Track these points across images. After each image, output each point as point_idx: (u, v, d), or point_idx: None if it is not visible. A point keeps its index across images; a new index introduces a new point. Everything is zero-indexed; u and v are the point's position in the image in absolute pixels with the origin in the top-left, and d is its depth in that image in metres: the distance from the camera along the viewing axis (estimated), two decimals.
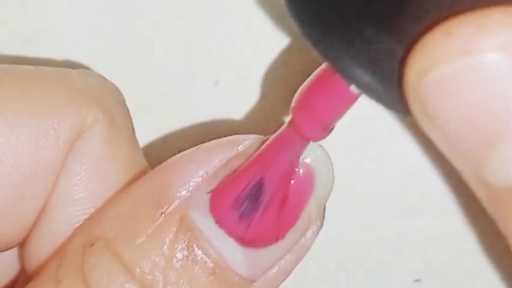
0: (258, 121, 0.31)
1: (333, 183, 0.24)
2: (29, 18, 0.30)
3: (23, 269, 0.26)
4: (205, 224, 0.23)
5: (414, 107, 0.19)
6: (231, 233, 0.23)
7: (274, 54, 0.30)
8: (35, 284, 0.24)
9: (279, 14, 0.30)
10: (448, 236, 0.32)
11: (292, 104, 0.22)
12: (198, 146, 0.24)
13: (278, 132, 0.23)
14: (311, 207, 0.24)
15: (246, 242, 0.23)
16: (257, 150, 0.24)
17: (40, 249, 0.25)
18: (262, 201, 0.23)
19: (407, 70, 0.18)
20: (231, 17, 0.30)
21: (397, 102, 0.19)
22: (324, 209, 0.25)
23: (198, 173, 0.23)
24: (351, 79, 0.20)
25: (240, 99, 0.31)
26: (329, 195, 0.25)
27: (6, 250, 0.25)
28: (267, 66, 0.30)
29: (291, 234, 0.24)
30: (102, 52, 0.30)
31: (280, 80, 0.30)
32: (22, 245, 0.25)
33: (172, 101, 0.31)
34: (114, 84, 0.26)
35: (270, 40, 0.30)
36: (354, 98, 0.21)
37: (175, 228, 0.23)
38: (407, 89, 0.19)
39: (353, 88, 0.21)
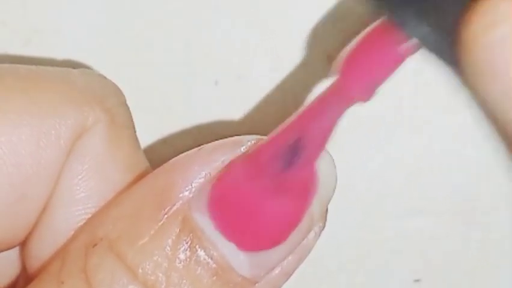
0: (258, 121, 0.31)
1: (336, 184, 0.24)
2: (29, 18, 0.30)
3: (24, 269, 0.26)
4: (209, 224, 0.23)
5: (474, 60, 0.19)
6: (270, 180, 0.23)
7: (274, 54, 0.30)
8: (37, 285, 0.24)
9: (279, 13, 0.30)
10: (447, 236, 0.32)
11: (339, 60, 0.22)
12: (201, 146, 0.24)
13: (322, 92, 0.23)
14: (314, 208, 0.24)
15: (279, 197, 0.23)
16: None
17: (41, 249, 0.24)
18: (301, 158, 0.23)
19: (471, 22, 0.18)
20: (231, 17, 0.30)
21: (450, 55, 0.19)
22: (327, 210, 0.25)
23: (200, 173, 0.23)
24: (407, 28, 0.20)
25: (240, 99, 0.31)
26: (332, 197, 0.25)
27: (7, 250, 0.25)
28: (267, 66, 0.30)
29: (294, 236, 0.24)
30: (102, 52, 0.30)
31: (280, 80, 0.30)
32: (23, 244, 0.25)
33: (172, 101, 0.31)
34: (115, 84, 0.26)
35: (270, 40, 0.30)
36: (401, 58, 0.21)
37: (178, 229, 0.23)
38: (468, 42, 0.19)
39: (406, 42, 0.20)
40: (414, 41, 0.20)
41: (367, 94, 0.22)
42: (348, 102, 0.22)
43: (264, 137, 0.24)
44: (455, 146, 0.30)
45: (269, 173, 0.23)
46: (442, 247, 0.32)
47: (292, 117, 0.23)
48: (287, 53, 0.30)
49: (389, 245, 0.32)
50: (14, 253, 0.26)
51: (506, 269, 0.32)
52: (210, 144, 0.24)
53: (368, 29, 0.21)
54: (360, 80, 0.22)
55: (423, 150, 0.31)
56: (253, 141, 0.24)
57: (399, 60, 0.21)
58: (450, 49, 0.19)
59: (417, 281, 0.32)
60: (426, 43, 0.20)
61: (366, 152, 0.31)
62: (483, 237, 0.32)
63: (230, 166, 0.23)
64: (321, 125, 0.23)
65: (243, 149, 0.24)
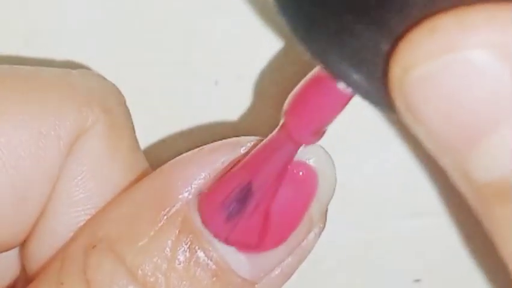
0: (258, 121, 0.31)
1: (335, 185, 0.24)
2: (28, 18, 0.30)
3: (23, 270, 0.26)
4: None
5: (399, 103, 0.19)
6: (215, 234, 0.23)
7: (275, 54, 0.30)
8: (37, 285, 0.24)
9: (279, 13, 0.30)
10: (447, 236, 0.32)
11: (284, 108, 0.22)
12: (201, 147, 0.24)
13: (270, 135, 0.23)
14: (313, 209, 0.24)
15: (230, 243, 0.23)
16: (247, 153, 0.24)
17: (41, 250, 0.25)
18: (250, 204, 0.23)
19: (392, 65, 0.19)
20: (231, 17, 0.30)
21: (383, 99, 0.20)
22: (326, 211, 0.25)
23: (200, 174, 0.23)
24: (338, 75, 0.20)
25: (240, 99, 0.31)
26: (331, 198, 0.25)
27: (7, 251, 0.25)
28: (267, 67, 0.30)
29: (293, 237, 0.24)
30: (102, 52, 0.30)
31: (280, 80, 0.30)
32: (23, 245, 0.25)
33: (172, 101, 0.31)
34: (114, 85, 0.26)
35: (270, 40, 0.30)
36: (344, 101, 0.21)
37: (177, 230, 0.23)
38: (391, 85, 0.19)
39: (341, 88, 0.20)
40: (347, 89, 0.20)
41: (313, 137, 0.22)
42: (295, 146, 0.23)
43: (263, 139, 0.24)
44: None
45: (216, 223, 0.23)
46: (442, 247, 0.32)
47: (241, 162, 0.23)
48: (287, 53, 0.30)
49: (389, 245, 0.32)
50: (14, 254, 0.26)
51: (506, 269, 0.32)
52: (209, 145, 0.24)
53: (309, 74, 0.22)
54: (304, 125, 0.22)
55: (423, 150, 0.31)
56: (252, 142, 0.24)
57: (341, 102, 0.21)
58: (380, 89, 0.19)
59: (417, 281, 0.32)
60: (354, 86, 0.20)
61: (365, 152, 0.31)
62: (483, 237, 0.31)
63: (226, 172, 0.24)
64: (269, 169, 0.23)
65: (242, 150, 0.24)
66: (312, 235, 0.24)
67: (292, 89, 0.29)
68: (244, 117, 0.31)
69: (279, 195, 0.23)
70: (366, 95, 0.20)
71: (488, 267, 0.32)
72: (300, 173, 0.24)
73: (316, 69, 0.22)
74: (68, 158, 0.24)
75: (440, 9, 0.18)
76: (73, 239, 0.24)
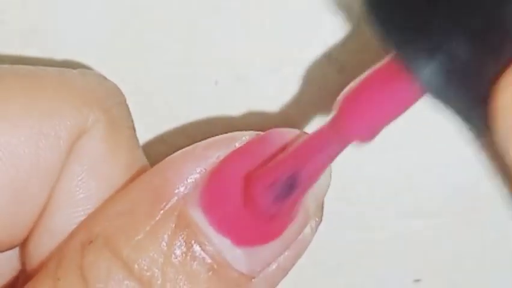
0: (258, 121, 0.31)
1: (330, 178, 0.24)
2: (28, 17, 0.30)
3: (23, 269, 0.26)
4: (204, 220, 0.23)
5: (502, 129, 0.19)
6: (262, 211, 0.23)
7: (275, 54, 0.30)
8: (35, 282, 0.24)
9: (280, 13, 0.30)
10: (447, 237, 0.32)
11: (339, 100, 0.21)
12: (196, 143, 0.24)
13: (320, 129, 0.22)
14: (309, 202, 0.24)
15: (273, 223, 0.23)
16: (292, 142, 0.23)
17: (41, 249, 0.25)
18: (292, 194, 0.23)
19: (502, 91, 0.18)
20: (231, 17, 0.30)
21: (477, 118, 0.19)
22: (323, 205, 0.25)
23: (196, 169, 0.23)
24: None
25: (240, 99, 0.31)
26: (327, 190, 0.24)
27: (7, 250, 0.25)
28: (267, 67, 0.30)
29: (289, 231, 0.24)
30: (102, 52, 0.30)
31: (280, 80, 0.30)
32: (23, 245, 0.25)
33: (172, 101, 0.31)
34: (115, 84, 0.26)
35: (270, 40, 0.30)
36: (412, 100, 0.20)
37: (174, 225, 0.23)
38: (496, 110, 0.19)
39: (414, 84, 0.19)
40: (422, 84, 0.19)
41: (367, 136, 0.21)
42: (346, 142, 0.21)
43: (259, 132, 0.24)
44: (455, 146, 0.30)
45: (259, 204, 0.23)
46: (442, 247, 0.32)
47: (289, 151, 0.23)
48: (287, 53, 0.30)
49: (389, 245, 0.32)
50: (14, 253, 0.26)
51: (506, 269, 0.32)
52: (204, 141, 0.24)
53: (375, 67, 0.20)
54: (361, 121, 0.21)
55: (423, 151, 0.31)
56: (248, 137, 0.24)
57: (406, 104, 0.20)
58: (476, 109, 0.19)
59: (417, 281, 0.32)
60: (437, 90, 0.19)
61: (365, 153, 0.31)
62: (483, 237, 0.32)
63: (222, 165, 0.23)
64: (317, 162, 0.23)
65: (237, 145, 0.24)
66: (308, 229, 0.24)
67: (292, 89, 0.29)
68: (244, 117, 0.31)
69: None
70: (455, 110, 0.19)
71: (487, 267, 0.32)
72: None
73: (381, 64, 0.20)
74: (68, 158, 0.24)
75: None
76: (70, 236, 0.24)
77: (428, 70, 0.18)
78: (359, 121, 0.21)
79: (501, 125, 0.19)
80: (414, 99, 0.20)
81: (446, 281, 0.32)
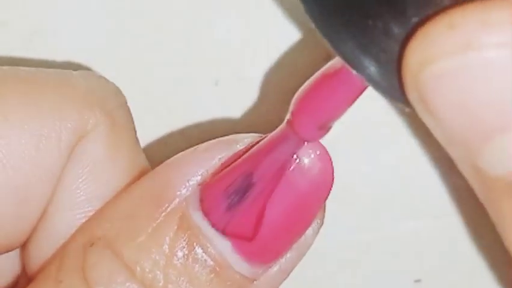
0: (258, 121, 0.31)
1: (333, 181, 0.24)
2: (29, 19, 0.30)
3: (24, 271, 0.26)
4: (206, 222, 0.23)
5: (413, 95, 0.19)
6: (214, 223, 0.23)
7: (275, 54, 0.30)
8: (36, 284, 0.24)
9: (279, 14, 0.30)
10: (447, 237, 0.32)
11: (291, 102, 0.23)
12: (197, 145, 0.24)
13: (275, 131, 0.23)
14: None
15: (227, 233, 0.23)
16: (253, 147, 0.24)
17: (41, 251, 0.25)
18: (250, 195, 0.23)
19: (408, 59, 0.19)
20: (231, 17, 0.30)
21: (396, 91, 0.20)
22: (325, 207, 0.25)
23: (197, 171, 0.24)
24: (351, 62, 0.20)
25: (240, 99, 0.31)
26: (329, 194, 0.25)
27: (7, 252, 0.25)
28: (267, 67, 0.30)
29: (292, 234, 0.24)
30: (102, 52, 0.30)
31: (280, 80, 0.30)
32: (24, 246, 0.25)
33: (172, 101, 0.31)
34: (116, 86, 0.26)
35: (270, 40, 0.30)
36: (352, 95, 0.21)
37: (176, 227, 0.23)
38: (405, 77, 0.19)
39: (354, 78, 0.20)
40: (360, 78, 0.20)
41: (317, 133, 0.23)
42: (298, 141, 0.23)
43: (262, 135, 0.24)
44: None
45: (217, 212, 0.23)
46: (442, 248, 0.32)
47: (243, 156, 0.24)
48: (287, 53, 0.30)
49: (389, 245, 0.32)
50: (15, 255, 0.26)
51: (506, 269, 0.32)
52: (205, 143, 0.24)
53: (319, 71, 0.22)
54: (310, 121, 0.22)
55: (422, 151, 0.31)
56: (249, 139, 0.24)
57: (349, 100, 0.21)
58: (393, 81, 0.19)
59: (417, 281, 0.32)
60: (367, 77, 0.20)
61: (365, 154, 0.31)
62: (483, 238, 0.32)
63: (223, 168, 0.24)
64: (270, 163, 0.23)
65: (238, 147, 0.24)
66: (310, 231, 0.24)
67: (292, 89, 0.29)
68: (245, 118, 0.31)
69: (283, 194, 0.23)
70: (377, 86, 0.20)
71: (487, 267, 0.32)
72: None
73: (326, 66, 0.22)
74: (69, 160, 0.24)
75: (456, 2, 0.18)
76: (71, 238, 0.24)
77: (367, 65, 0.20)
78: (308, 121, 0.22)
79: (410, 93, 0.19)
80: (356, 93, 0.21)
81: (446, 281, 0.32)
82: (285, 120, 0.23)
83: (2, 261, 0.26)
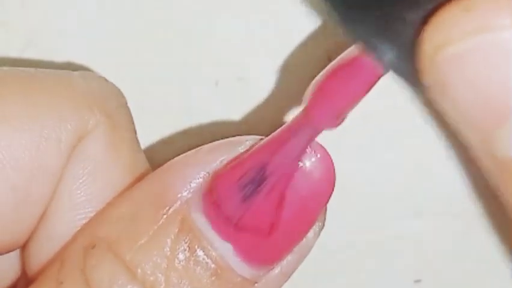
0: (258, 122, 0.31)
1: (334, 184, 0.24)
2: (29, 19, 0.30)
3: (24, 272, 0.26)
4: (207, 225, 0.23)
5: (428, 78, 0.19)
6: (229, 215, 0.23)
7: (275, 54, 0.30)
8: (37, 285, 0.24)
9: (279, 14, 0.30)
10: (448, 237, 0.32)
11: (307, 92, 0.22)
12: (199, 147, 0.24)
13: (289, 121, 0.23)
14: None
15: (242, 227, 0.23)
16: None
17: (41, 252, 0.25)
18: (264, 186, 0.23)
19: (424, 42, 0.19)
20: (231, 17, 0.30)
21: (412, 74, 0.20)
22: (326, 210, 0.25)
23: (199, 174, 0.23)
24: (367, 47, 0.20)
25: (240, 99, 0.31)
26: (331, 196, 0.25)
27: (7, 252, 0.25)
28: (267, 67, 0.30)
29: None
30: (102, 52, 0.30)
31: (280, 80, 0.30)
32: (24, 247, 0.25)
33: (172, 101, 0.31)
34: (116, 86, 0.26)
35: (270, 40, 0.30)
36: (370, 83, 0.21)
37: (177, 229, 0.23)
38: (421, 60, 0.19)
39: (370, 64, 0.21)
40: (380, 63, 0.20)
41: (334, 122, 0.22)
42: (314, 130, 0.23)
43: (262, 137, 0.24)
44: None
45: (231, 203, 0.23)
46: (442, 247, 0.32)
47: (256, 147, 0.23)
48: (287, 53, 0.30)
49: (389, 245, 0.32)
50: (15, 256, 0.26)
51: (506, 269, 0.32)
52: (207, 145, 0.24)
53: (338, 58, 0.22)
54: (327, 109, 0.22)
55: (423, 151, 0.31)
56: (251, 141, 0.24)
57: (367, 87, 0.21)
58: (410, 64, 0.20)
59: (417, 281, 0.32)
60: (391, 65, 0.20)
61: (366, 153, 0.31)
62: (483, 237, 0.32)
63: (225, 170, 0.24)
64: (285, 153, 0.23)
65: (241, 149, 0.24)
66: (311, 234, 0.24)
67: (292, 89, 0.29)
68: (244, 118, 0.31)
69: (297, 190, 0.23)
70: (394, 69, 0.20)
71: (487, 267, 0.32)
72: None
73: (342, 55, 0.22)
74: (69, 161, 0.24)
75: None
76: (72, 240, 0.24)
77: (389, 52, 0.20)
78: (324, 109, 0.22)
79: (426, 76, 0.19)
80: (371, 82, 0.21)
81: (446, 281, 0.32)
82: (301, 109, 0.23)
83: (2, 262, 0.26)
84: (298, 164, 0.23)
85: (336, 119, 0.22)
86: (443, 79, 0.19)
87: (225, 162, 0.24)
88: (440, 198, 0.31)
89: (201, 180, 0.23)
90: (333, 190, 0.24)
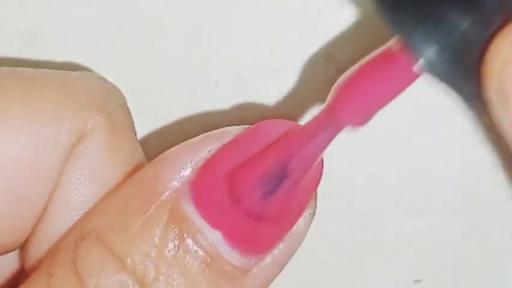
0: (258, 121, 0.31)
1: (322, 170, 0.24)
2: (28, 18, 0.30)
3: (23, 272, 0.26)
4: (196, 214, 0.23)
5: (493, 92, 0.19)
6: (249, 209, 0.23)
7: (275, 54, 0.30)
8: (29, 280, 0.24)
9: (279, 14, 0.30)
10: (448, 237, 0.32)
11: (333, 88, 0.22)
12: (188, 140, 0.24)
13: (311, 119, 0.23)
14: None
15: (261, 220, 0.23)
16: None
17: (40, 253, 0.25)
18: (285, 183, 0.23)
19: (491, 56, 0.19)
20: (231, 17, 0.30)
21: (460, 80, 0.20)
22: (316, 196, 0.24)
23: (188, 164, 0.23)
24: (413, 46, 0.20)
25: (240, 99, 0.31)
26: (319, 181, 0.24)
27: (6, 253, 0.25)
28: (267, 67, 0.30)
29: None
30: (102, 52, 0.30)
31: (280, 80, 0.30)
32: (22, 247, 0.25)
33: (172, 102, 0.31)
34: (115, 86, 0.26)
35: (270, 40, 0.30)
36: (404, 83, 0.21)
37: (166, 219, 0.23)
38: (487, 75, 0.19)
39: (411, 66, 0.20)
40: (419, 64, 0.20)
41: (361, 120, 0.22)
42: (340, 126, 0.22)
43: (250, 126, 0.24)
44: (455, 146, 0.30)
45: (249, 199, 0.23)
46: (442, 247, 0.32)
47: (279, 141, 0.23)
48: (287, 53, 0.30)
49: (389, 245, 0.32)
50: (13, 256, 0.26)
51: (506, 269, 0.32)
52: (196, 137, 0.24)
53: (371, 55, 0.21)
54: (355, 106, 0.21)
55: (423, 151, 0.31)
56: (237, 131, 0.24)
57: (401, 86, 0.21)
58: (464, 76, 0.19)
59: (417, 281, 0.32)
60: (435, 68, 0.20)
61: (366, 153, 0.31)
62: (483, 237, 0.32)
63: (212, 158, 0.23)
64: (309, 150, 0.23)
65: (228, 139, 0.24)
66: (302, 221, 0.24)
67: (292, 89, 0.29)
68: (244, 118, 0.31)
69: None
70: (437, 72, 0.20)
71: (487, 267, 0.32)
72: None
73: (376, 52, 0.21)
74: (68, 162, 0.24)
75: None
76: (64, 235, 0.24)
77: (435, 51, 0.19)
78: (352, 103, 0.21)
79: (492, 90, 0.19)
80: (407, 82, 0.21)
81: (446, 281, 0.32)
82: (325, 107, 0.22)
83: (1, 262, 0.26)
84: (318, 160, 0.23)
85: (364, 118, 0.22)
86: (508, 92, 0.19)
87: (212, 151, 0.24)
88: (440, 198, 0.31)
89: (190, 170, 0.23)
90: (321, 175, 0.24)
